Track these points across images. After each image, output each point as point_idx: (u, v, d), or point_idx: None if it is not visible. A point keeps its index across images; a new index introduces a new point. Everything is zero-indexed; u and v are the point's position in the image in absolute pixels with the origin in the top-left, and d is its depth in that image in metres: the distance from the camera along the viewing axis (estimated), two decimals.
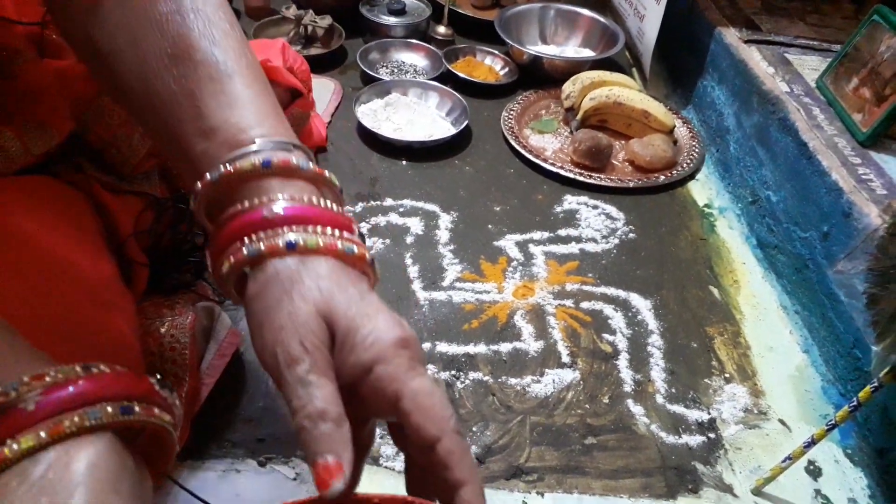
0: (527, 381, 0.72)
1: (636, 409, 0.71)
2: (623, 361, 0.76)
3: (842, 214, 0.75)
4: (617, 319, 0.80)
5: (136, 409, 0.31)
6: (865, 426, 0.70)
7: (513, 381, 0.72)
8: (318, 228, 0.36)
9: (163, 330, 0.62)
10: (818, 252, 0.79)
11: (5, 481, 0.28)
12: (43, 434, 0.29)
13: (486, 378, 0.72)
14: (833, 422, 0.60)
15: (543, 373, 0.73)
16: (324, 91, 1.12)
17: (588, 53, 1.26)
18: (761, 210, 0.93)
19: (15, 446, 0.28)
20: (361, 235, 0.39)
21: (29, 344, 0.35)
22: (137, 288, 0.63)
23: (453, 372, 0.72)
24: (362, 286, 0.37)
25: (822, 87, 0.93)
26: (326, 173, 0.39)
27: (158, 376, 0.34)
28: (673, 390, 0.73)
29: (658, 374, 0.75)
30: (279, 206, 0.36)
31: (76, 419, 0.29)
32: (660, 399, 0.72)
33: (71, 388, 0.30)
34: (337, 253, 0.36)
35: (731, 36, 1.07)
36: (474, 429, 0.67)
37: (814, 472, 0.68)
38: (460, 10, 1.31)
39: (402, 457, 0.58)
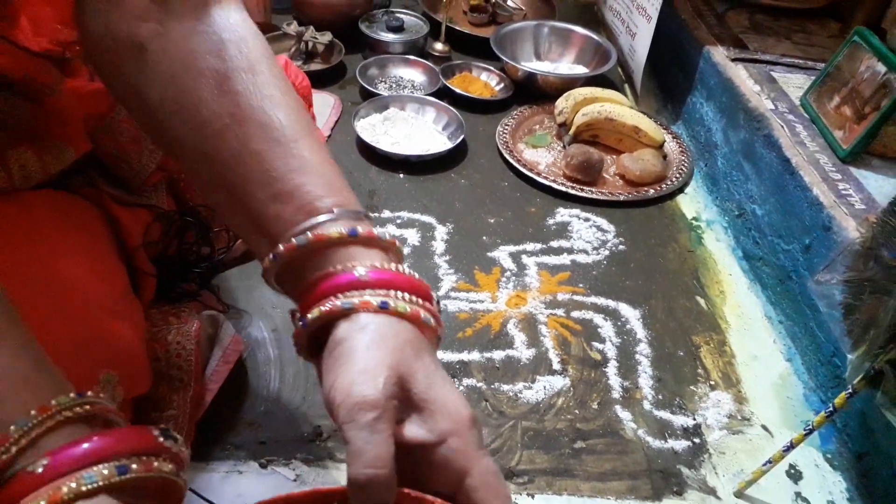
0: (519, 387, 0.75)
1: (624, 415, 0.73)
2: (612, 369, 0.78)
3: (822, 228, 0.79)
4: (606, 328, 0.83)
5: (134, 466, 0.32)
6: (845, 432, 0.73)
7: (505, 387, 0.75)
8: (405, 295, 0.38)
9: (169, 337, 0.64)
10: (800, 264, 0.83)
11: None
12: (42, 503, 0.30)
13: (479, 384, 0.75)
14: (811, 427, 0.63)
15: (535, 379, 0.76)
16: (324, 105, 1.15)
17: (581, 70, 1.30)
18: (747, 223, 0.96)
19: None
20: (437, 302, 0.41)
21: (47, 359, 0.37)
22: (145, 296, 0.66)
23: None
24: (436, 358, 0.39)
25: (806, 104, 0.97)
26: (397, 242, 0.42)
27: (162, 426, 0.35)
28: (660, 397, 0.76)
29: (645, 381, 0.77)
30: (366, 271, 0.38)
31: (73, 485, 0.31)
32: (647, 405, 0.75)
33: (79, 447, 0.32)
34: (420, 321, 0.38)
35: (718, 54, 1.11)
36: None
37: (794, 475, 0.70)
38: (457, 27, 1.35)
39: None
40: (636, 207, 1.02)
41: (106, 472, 0.31)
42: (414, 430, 0.35)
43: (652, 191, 1.04)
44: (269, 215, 0.41)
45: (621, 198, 1.02)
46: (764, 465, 0.66)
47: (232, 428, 0.67)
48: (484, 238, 0.94)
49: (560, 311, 0.84)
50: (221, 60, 0.42)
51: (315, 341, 0.40)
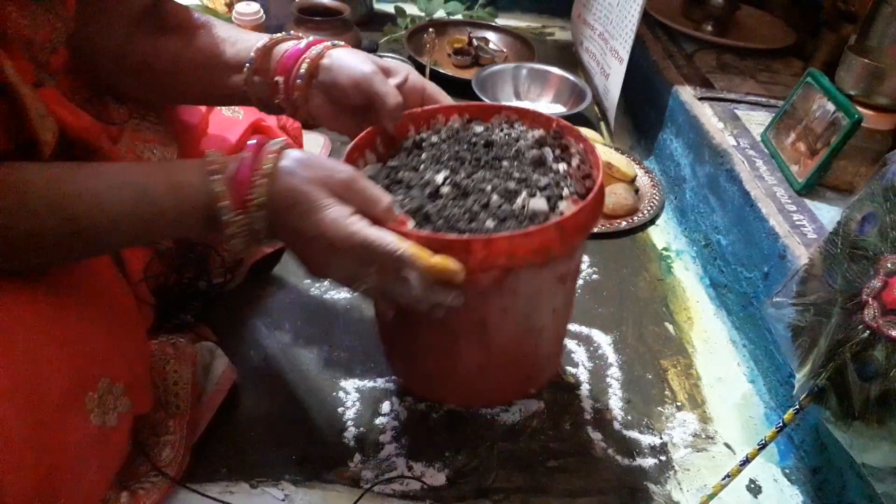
0: (496, 410, 0.79)
1: (595, 435, 0.78)
2: (584, 392, 0.83)
3: (778, 256, 0.84)
4: (579, 353, 0.88)
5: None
6: (801, 447, 0.77)
7: (483, 410, 0.79)
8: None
9: (167, 367, 0.69)
10: (760, 290, 0.88)
11: None
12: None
13: (458, 409, 0.79)
14: (764, 441, 0.68)
15: (511, 402, 0.80)
16: (314, 145, 1.21)
17: (559, 109, 1.36)
18: (713, 253, 1.01)
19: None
20: None
21: None
22: (145, 325, 0.71)
23: (429, 403, 0.79)
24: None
25: (766, 140, 1.03)
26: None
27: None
28: (629, 417, 0.80)
29: (616, 402, 0.82)
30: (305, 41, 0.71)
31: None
32: (616, 425, 0.79)
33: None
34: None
35: (686, 93, 1.18)
36: (447, 454, 0.74)
37: (754, 489, 0.75)
38: (441, 70, 1.42)
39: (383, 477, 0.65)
40: (609, 238, 1.08)
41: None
42: (397, 78, 0.69)
43: (624, 223, 1.09)
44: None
45: (595, 230, 1.07)
46: (723, 479, 0.70)
47: (224, 451, 0.72)
48: None
49: None
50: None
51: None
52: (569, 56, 1.61)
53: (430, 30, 1.39)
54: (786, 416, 0.66)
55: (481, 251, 0.55)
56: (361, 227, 0.53)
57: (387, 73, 0.68)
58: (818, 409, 0.69)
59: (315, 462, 0.72)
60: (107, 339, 0.58)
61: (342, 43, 0.71)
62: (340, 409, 0.77)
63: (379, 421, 0.77)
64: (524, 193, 0.62)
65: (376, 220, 0.55)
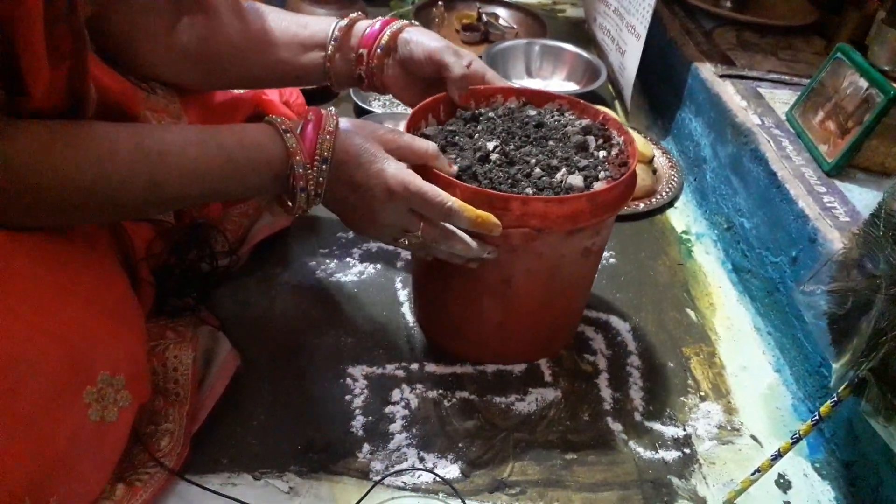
0: (511, 399, 0.76)
1: (615, 426, 0.74)
2: (603, 381, 0.79)
3: (808, 240, 0.80)
4: (598, 341, 0.84)
5: None
6: (832, 441, 0.74)
7: (498, 399, 0.76)
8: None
9: (167, 352, 0.66)
10: (788, 276, 0.84)
11: None
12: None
13: (472, 397, 0.76)
14: (798, 435, 0.64)
15: (527, 392, 0.77)
16: None
17: (572, 87, 1.32)
18: (736, 236, 0.97)
19: None
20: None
21: None
22: (144, 305, 0.67)
23: (441, 391, 0.75)
24: None
25: (792, 119, 0.99)
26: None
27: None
28: (650, 408, 0.77)
29: (636, 392, 0.78)
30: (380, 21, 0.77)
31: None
32: (637, 416, 0.76)
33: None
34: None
35: (706, 71, 1.13)
36: (460, 444, 0.70)
37: (783, 485, 0.71)
38: None
39: (392, 470, 0.62)
40: (626, 221, 1.04)
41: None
42: (464, 60, 0.75)
43: (642, 205, 1.05)
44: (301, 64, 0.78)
45: None
46: (752, 474, 0.67)
47: (226, 441, 0.68)
48: None
49: None
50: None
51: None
52: (581, 33, 1.56)
53: (439, 4, 1.34)
54: (822, 409, 0.62)
55: (518, 209, 0.63)
56: (416, 178, 0.62)
57: (456, 53, 0.76)
58: (853, 402, 0.65)
59: (321, 453, 0.68)
60: (106, 331, 0.54)
61: (417, 23, 0.79)
62: (348, 397, 0.74)
63: (388, 409, 0.73)
64: (564, 170, 0.69)
65: (425, 170, 0.64)
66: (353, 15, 0.77)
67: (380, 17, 0.78)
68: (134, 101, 0.66)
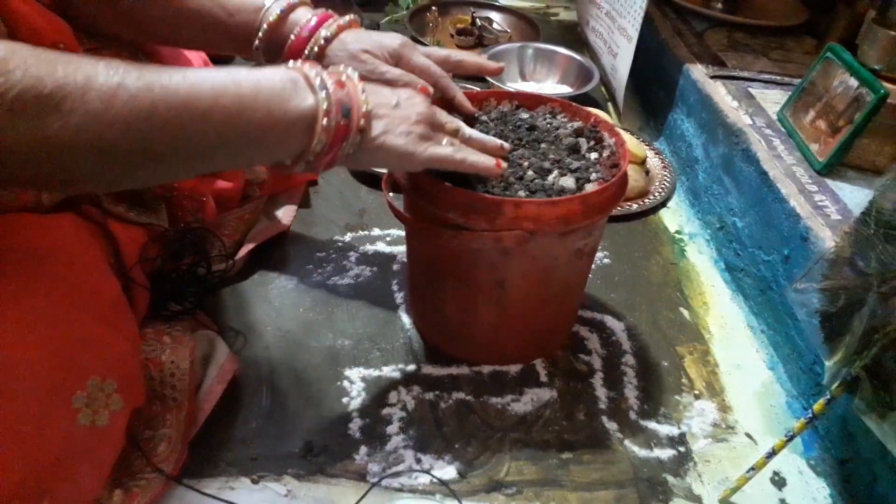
0: (507, 399, 0.76)
1: (610, 426, 0.75)
2: (598, 380, 0.80)
3: (800, 239, 0.81)
4: (592, 341, 0.85)
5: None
6: (827, 438, 0.74)
7: (494, 399, 0.76)
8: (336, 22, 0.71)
9: (163, 357, 0.66)
10: (780, 274, 0.84)
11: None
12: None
13: (468, 398, 0.76)
14: (792, 433, 0.65)
15: (523, 392, 0.77)
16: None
17: (566, 90, 1.32)
18: (728, 235, 0.98)
19: None
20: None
21: None
22: (139, 310, 0.67)
23: (437, 392, 0.76)
24: None
25: (783, 119, 0.99)
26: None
27: None
28: (645, 407, 0.77)
29: (631, 391, 0.79)
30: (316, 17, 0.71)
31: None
32: (632, 415, 0.76)
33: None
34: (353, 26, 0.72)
35: (697, 72, 1.14)
36: (457, 445, 0.71)
37: (778, 482, 0.72)
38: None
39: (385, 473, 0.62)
40: (620, 222, 1.04)
41: None
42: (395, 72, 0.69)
43: (635, 205, 1.06)
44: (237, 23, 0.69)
45: None
46: (747, 472, 0.67)
47: (224, 444, 0.68)
48: None
49: None
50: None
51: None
52: (574, 36, 1.57)
53: (433, 9, 1.35)
54: (815, 407, 0.63)
55: (512, 212, 0.63)
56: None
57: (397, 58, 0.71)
58: (847, 399, 0.66)
59: (319, 455, 0.68)
60: (95, 336, 0.55)
61: (352, 17, 0.72)
62: (345, 400, 0.74)
63: (385, 411, 0.73)
64: (556, 172, 0.69)
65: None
66: (283, 3, 0.70)
67: (315, 15, 0.71)
68: (76, 46, 0.62)
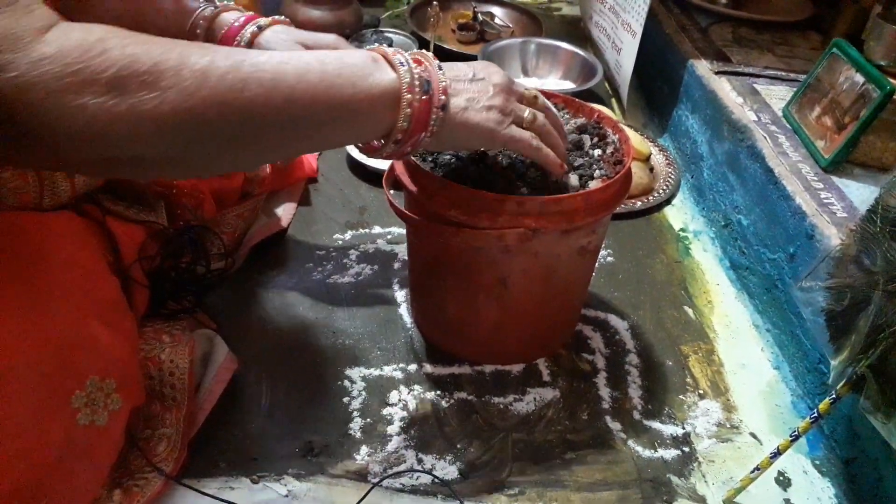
0: (509, 399, 0.76)
1: (614, 425, 0.74)
2: (601, 380, 0.79)
3: (806, 236, 0.80)
4: (596, 340, 0.84)
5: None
6: (832, 438, 0.73)
7: (496, 399, 0.75)
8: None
9: (163, 356, 0.65)
10: (786, 272, 0.84)
11: None
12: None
13: (470, 397, 0.75)
14: (797, 433, 0.64)
15: (525, 391, 0.77)
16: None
17: (568, 85, 1.31)
18: (733, 233, 0.97)
19: None
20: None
21: None
22: (139, 308, 0.67)
23: (439, 392, 0.75)
24: None
25: (788, 115, 0.98)
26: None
27: None
28: (649, 406, 0.77)
29: (635, 391, 0.78)
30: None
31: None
32: (636, 415, 0.76)
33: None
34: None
35: (702, 68, 1.13)
36: (459, 445, 0.70)
37: (783, 482, 0.71)
38: (445, 46, 1.37)
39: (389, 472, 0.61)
40: (624, 220, 1.03)
41: None
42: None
43: (639, 203, 1.05)
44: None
45: None
46: (752, 472, 0.67)
47: (224, 445, 0.68)
48: None
49: None
50: None
51: None
52: (577, 31, 1.56)
53: (434, 4, 1.33)
54: (821, 407, 0.62)
55: (514, 209, 0.62)
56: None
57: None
58: (853, 399, 0.65)
59: (319, 455, 0.68)
60: (94, 335, 0.54)
61: (281, 18, 0.75)
62: (346, 399, 0.73)
63: (386, 411, 0.73)
64: None
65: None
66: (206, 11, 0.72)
67: (243, 15, 0.73)
68: None
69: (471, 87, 0.57)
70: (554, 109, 0.66)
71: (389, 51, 0.55)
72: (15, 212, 0.58)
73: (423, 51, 0.58)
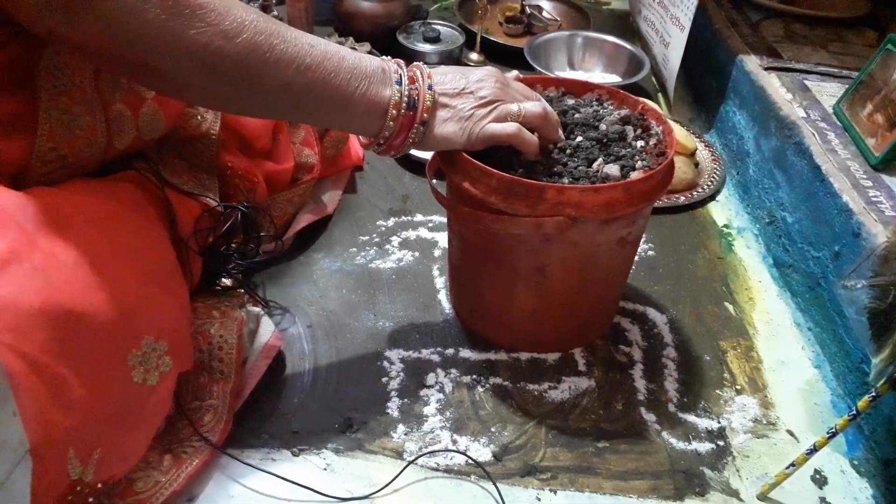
0: (544, 386, 0.77)
1: (648, 417, 0.75)
2: (637, 371, 0.79)
3: (852, 235, 0.79)
4: (634, 332, 0.84)
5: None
6: (872, 438, 0.72)
7: (531, 386, 0.76)
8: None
9: (212, 330, 0.68)
10: (830, 271, 0.83)
11: None
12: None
13: (505, 383, 0.77)
14: (834, 430, 0.63)
15: (560, 380, 0.77)
16: None
17: (615, 79, 1.31)
18: (777, 230, 0.96)
19: None
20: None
21: None
22: (193, 278, 0.70)
23: (475, 376, 0.77)
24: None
25: (839, 112, 0.97)
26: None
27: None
28: (685, 400, 0.77)
29: (671, 384, 0.78)
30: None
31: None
32: (671, 408, 0.76)
33: None
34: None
35: (751, 63, 1.11)
36: (493, 429, 0.71)
37: (820, 480, 0.70)
38: (492, 38, 1.37)
39: (426, 451, 0.63)
40: (666, 214, 1.03)
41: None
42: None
43: (683, 198, 1.04)
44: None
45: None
46: (787, 468, 0.66)
47: (267, 418, 0.70)
48: None
49: None
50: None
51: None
52: (625, 25, 1.55)
53: None
54: (860, 404, 0.62)
55: (554, 197, 0.63)
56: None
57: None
58: (894, 399, 0.64)
59: (358, 432, 0.70)
60: (153, 298, 0.57)
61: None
62: (384, 379, 0.76)
63: (423, 393, 0.75)
64: (600, 159, 0.69)
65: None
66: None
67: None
68: None
69: (453, 102, 0.65)
70: (549, 107, 0.69)
71: (393, 66, 0.63)
72: (83, 179, 0.62)
73: (421, 66, 0.65)
